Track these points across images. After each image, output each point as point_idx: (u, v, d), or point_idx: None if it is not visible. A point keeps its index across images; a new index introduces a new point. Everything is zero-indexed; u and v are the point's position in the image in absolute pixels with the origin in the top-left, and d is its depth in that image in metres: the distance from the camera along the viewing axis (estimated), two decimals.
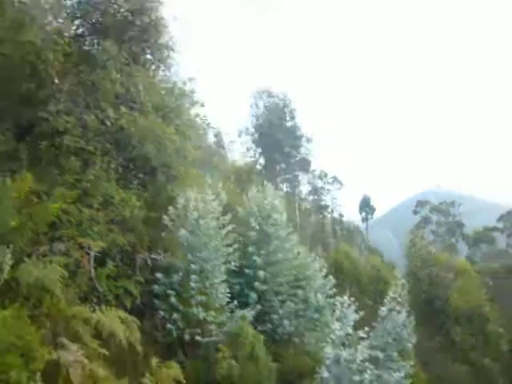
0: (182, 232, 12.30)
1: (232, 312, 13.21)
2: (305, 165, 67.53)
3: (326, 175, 70.37)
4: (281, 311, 14.60)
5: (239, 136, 24.50)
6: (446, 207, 67.05)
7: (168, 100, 14.67)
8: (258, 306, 14.43)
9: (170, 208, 12.46)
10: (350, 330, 10.98)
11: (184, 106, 14.96)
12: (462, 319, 23.41)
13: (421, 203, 62.52)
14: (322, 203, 66.25)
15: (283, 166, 61.63)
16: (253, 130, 24.26)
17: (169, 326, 11.92)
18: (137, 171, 13.64)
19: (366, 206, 69.01)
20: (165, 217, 12.36)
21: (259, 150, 24.62)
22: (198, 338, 12.09)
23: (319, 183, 69.10)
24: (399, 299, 11.73)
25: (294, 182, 67.36)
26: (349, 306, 11.41)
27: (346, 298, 11.48)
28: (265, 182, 16.89)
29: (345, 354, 10.42)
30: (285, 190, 59.50)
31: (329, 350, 10.49)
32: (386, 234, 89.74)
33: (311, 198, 66.30)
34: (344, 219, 64.13)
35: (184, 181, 13.88)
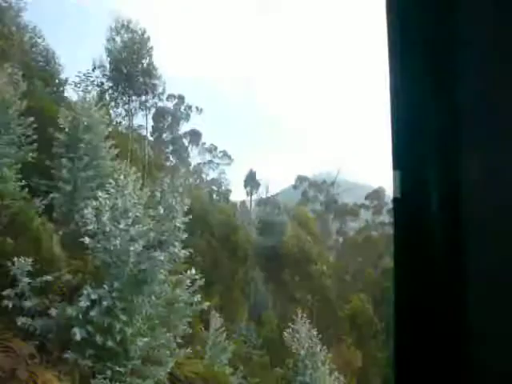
0: None
1: (26, 201, 13.22)
2: (195, 137, 68.19)
3: (215, 149, 71.50)
4: (85, 211, 14.78)
5: (93, 70, 24.11)
6: (326, 187, 71.47)
7: None
8: (63, 208, 14.65)
9: None
10: (120, 203, 11.49)
11: None
12: (291, 262, 25.28)
13: (300, 179, 65.77)
14: (209, 177, 67.41)
15: (170, 136, 61.35)
16: (107, 65, 24.04)
17: None
18: None
19: (251, 181, 71.20)
20: None
21: (110, 84, 24.36)
22: None
23: (208, 156, 70.23)
24: (168, 181, 12.26)
25: (183, 153, 67.58)
26: (125, 177, 11.85)
27: (122, 177, 11.97)
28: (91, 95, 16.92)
29: (107, 219, 10.91)
30: (174, 161, 59.41)
31: (89, 215, 10.92)
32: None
33: (199, 170, 67.08)
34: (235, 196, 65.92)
35: None
